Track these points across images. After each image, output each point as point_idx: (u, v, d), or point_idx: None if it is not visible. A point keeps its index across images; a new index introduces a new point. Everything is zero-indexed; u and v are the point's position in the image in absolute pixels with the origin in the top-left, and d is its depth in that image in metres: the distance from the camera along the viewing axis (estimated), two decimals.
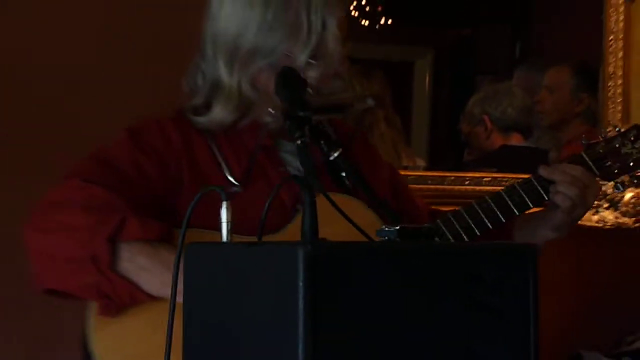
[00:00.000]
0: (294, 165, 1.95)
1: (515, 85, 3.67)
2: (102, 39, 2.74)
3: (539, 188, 2.05)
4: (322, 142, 1.85)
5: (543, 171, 2.06)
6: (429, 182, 3.18)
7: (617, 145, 2.14)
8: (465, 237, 2.01)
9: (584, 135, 2.23)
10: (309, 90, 1.86)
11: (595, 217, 3.36)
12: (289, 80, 1.81)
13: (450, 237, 2.02)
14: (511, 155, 3.45)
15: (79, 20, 2.73)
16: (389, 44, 3.67)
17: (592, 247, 3.34)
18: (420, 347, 1.37)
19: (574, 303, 3.29)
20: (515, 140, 3.52)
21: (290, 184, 1.85)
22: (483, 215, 2.02)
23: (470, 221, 2.02)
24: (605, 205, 3.36)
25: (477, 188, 3.20)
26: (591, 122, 3.53)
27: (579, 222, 3.32)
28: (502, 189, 2.08)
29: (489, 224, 2.03)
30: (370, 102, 2.00)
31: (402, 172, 3.21)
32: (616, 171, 2.14)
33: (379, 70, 3.44)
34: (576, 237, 3.23)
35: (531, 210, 2.12)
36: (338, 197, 1.75)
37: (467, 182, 3.22)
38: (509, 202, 2.04)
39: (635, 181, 2.16)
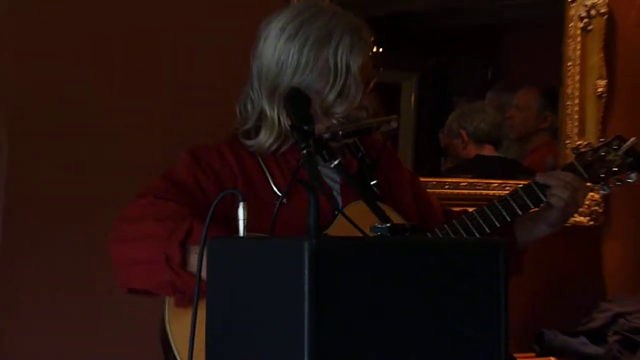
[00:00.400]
0: (331, 177, 1.96)
1: (487, 104, 3.67)
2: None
3: (538, 192, 2.07)
4: (323, 152, 1.85)
5: (540, 177, 2.08)
6: None
7: (602, 154, 2.16)
8: (477, 234, 2.04)
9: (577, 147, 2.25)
10: (340, 119, 1.90)
11: None
12: (295, 99, 1.82)
13: (463, 233, 2.04)
14: (484, 164, 3.45)
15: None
16: (380, 69, 3.66)
17: (553, 242, 3.33)
18: (408, 325, 1.37)
19: (537, 290, 3.29)
20: (488, 150, 3.52)
21: (330, 194, 1.87)
22: (492, 216, 2.05)
23: (481, 221, 2.05)
24: (583, 196, 3.35)
25: (455, 191, 3.20)
26: (553, 136, 3.53)
27: None
28: (507, 193, 2.10)
29: (497, 223, 2.05)
30: (394, 124, 2.01)
31: None
32: (602, 175, 2.17)
33: (372, 91, 3.44)
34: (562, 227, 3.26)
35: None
36: (361, 204, 1.77)
37: (446, 187, 3.22)
38: (514, 204, 2.06)
39: (619, 183, 2.18)
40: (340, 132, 1.90)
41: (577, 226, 3.39)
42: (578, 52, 3.42)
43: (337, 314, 1.32)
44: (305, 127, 1.73)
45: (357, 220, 1.66)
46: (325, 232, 1.79)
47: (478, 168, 3.41)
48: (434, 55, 3.78)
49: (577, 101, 3.43)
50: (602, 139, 2.28)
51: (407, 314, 1.38)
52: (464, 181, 3.25)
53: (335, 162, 1.83)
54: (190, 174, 1.88)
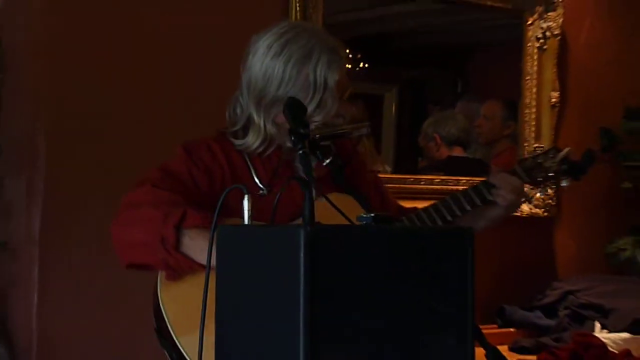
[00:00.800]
0: None
1: (457, 112, 3.68)
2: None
3: (484, 191, 2.04)
4: (317, 152, 1.84)
5: (490, 179, 2.06)
6: (394, 182, 3.18)
7: (540, 161, 2.14)
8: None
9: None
10: (318, 124, 1.87)
11: None
12: (293, 106, 1.80)
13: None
14: (455, 163, 3.45)
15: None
16: (365, 81, 3.67)
17: (513, 230, 3.35)
18: (391, 300, 1.37)
19: (500, 271, 3.29)
20: (458, 152, 3.52)
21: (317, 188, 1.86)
22: (445, 210, 2.02)
23: (434, 215, 2.03)
24: (522, 200, 3.36)
25: (430, 187, 3.20)
26: (514, 142, 3.53)
27: None
28: (458, 192, 2.07)
29: (449, 217, 2.03)
30: (364, 130, 1.99)
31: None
32: (540, 179, 2.15)
33: (360, 100, 3.45)
34: (502, 225, 3.25)
35: None
36: (337, 195, 1.76)
37: (422, 183, 3.22)
38: (464, 201, 2.04)
39: (554, 187, 2.18)
40: (317, 136, 1.87)
41: (534, 217, 3.40)
42: (535, 68, 3.43)
43: (330, 293, 1.31)
44: (302, 131, 1.71)
45: (329, 209, 1.65)
46: (299, 218, 1.79)
47: (449, 167, 3.41)
48: (412, 70, 3.78)
49: (534, 110, 3.43)
50: (541, 146, 2.28)
51: (390, 291, 1.37)
52: (437, 178, 3.25)
53: (328, 161, 1.82)
54: (184, 166, 1.85)
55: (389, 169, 3.55)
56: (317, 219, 1.65)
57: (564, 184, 2.18)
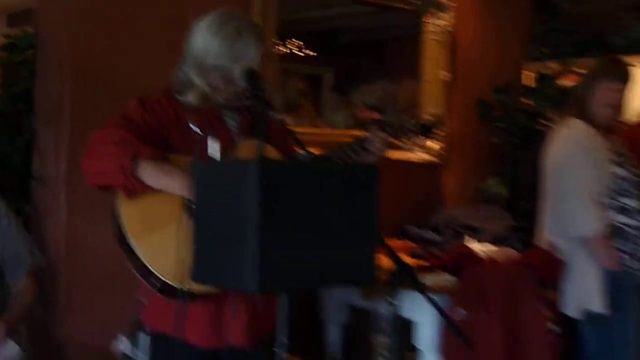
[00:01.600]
0: (232, 124, 1.85)
1: (377, 88, 3.67)
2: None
3: (363, 142, 1.96)
4: (271, 110, 1.79)
5: (367, 134, 1.97)
6: (330, 137, 3.18)
7: (404, 123, 2.09)
8: None
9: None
10: (242, 88, 1.78)
11: (416, 156, 3.39)
12: (253, 75, 1.75)
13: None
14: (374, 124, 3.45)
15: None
16: (310, 65, 3.65)
17: (415, 172, 3.38)
18: (322, 216, 1.35)
19: (404, 201, 3.32)
20: (376, 116, 3.52)
21: (228, 135, 1.81)
22: (335, 157, 1.94)
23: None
24: (423, 151, 3.39)
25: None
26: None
27: (409, 158, 3.39)
28: (344, 143, 1.96)
29: (339, 161, 1.92)
30: (276, 96, 1.89)
31: (313, 130, 3.22)
32: (401, 135, 2.08)
33: (306, 79, 3.44)
34: (407, 168, 3.29)
35: None
36: (252, 141, 1.72)
37: (348, 137, 3.20)
38: (349, 150, 1.94)
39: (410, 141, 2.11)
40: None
41: (430, 163, 3.43)
42: (433, 54, 3.43)
43: (276, 209, 1.29)
44: (259, 94, 1.66)
45: (251, 152, 1.61)
46: (231, 156, 1.73)
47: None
48: (344, 56, 3.77)
49: (431, 85, 3.45)
50: (436, 112, 2.20)
51: (320, 210, 1.35)
52: (360, 134, 3.24)
53: (279, 117, 1.77)
54: (139, 114, 1.77)
55: (325, 127, 3.54)
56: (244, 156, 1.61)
57: (419, 139, 2.10)
